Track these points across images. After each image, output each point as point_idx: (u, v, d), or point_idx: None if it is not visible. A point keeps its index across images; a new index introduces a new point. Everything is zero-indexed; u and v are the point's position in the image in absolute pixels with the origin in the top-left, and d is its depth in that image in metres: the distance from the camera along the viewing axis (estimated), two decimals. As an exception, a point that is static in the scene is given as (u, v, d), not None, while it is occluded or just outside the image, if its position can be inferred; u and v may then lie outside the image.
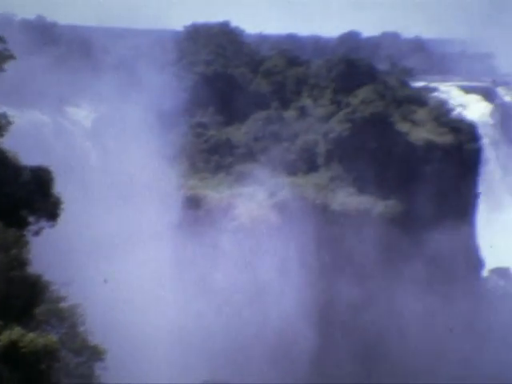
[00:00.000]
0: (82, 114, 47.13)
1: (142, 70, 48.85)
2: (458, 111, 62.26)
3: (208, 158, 51.62)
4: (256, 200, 46.40)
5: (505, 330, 50.85)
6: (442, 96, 67.74)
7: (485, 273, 56.09)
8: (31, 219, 19.82)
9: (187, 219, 44.81)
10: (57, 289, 17.53)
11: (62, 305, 17.46)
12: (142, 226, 41.03)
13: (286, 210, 44.95)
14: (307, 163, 50.37)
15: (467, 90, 79.07)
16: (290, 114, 55.26)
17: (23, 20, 55.48)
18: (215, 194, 47.56)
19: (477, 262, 53.13)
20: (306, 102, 56.42)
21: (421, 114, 56.35)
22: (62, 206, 20.28)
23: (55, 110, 44.95)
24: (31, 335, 14.76)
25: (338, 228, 45.31)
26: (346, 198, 47.22)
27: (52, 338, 15.25)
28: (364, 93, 52.74)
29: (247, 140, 52.58)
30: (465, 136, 54.53)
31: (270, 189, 46.50)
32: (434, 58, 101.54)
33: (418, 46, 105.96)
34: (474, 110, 74.61)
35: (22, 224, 19.28)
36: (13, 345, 14.53)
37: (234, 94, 56.07)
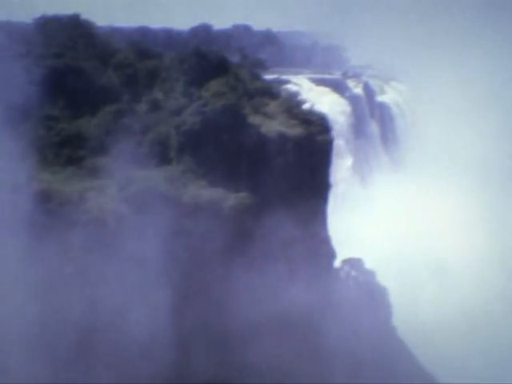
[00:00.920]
0: None
1: (-12, 62, 47.53)
2: (308, 103, 63.30)
3: (59, 152, 50.58)
4: (107, 193, 45.86)
5: (355, 320, 52.23)
6: (294, 88, 68.80)
7: (337, 263, 57.23)
8: None
9: (38, 213, 43.87)
10: None
11: None
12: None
13: (137, 203, 44.54)
14: (159, 156, 50.02)
15: (318, 82, 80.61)
16: (142, 106, 54.83)
17: None
18: (66, 187, 46.70)
19: (328, 253, 54.16)
20: (158, 94, 56.08)
21: (272, 106, 56.87)
22: None
23: None
24: None
25: (191, 220, 45.20)
26: (198, 191, 47.15)
27: None
28: (215, 85, 52.81)
29: (98, 133, 51.80)
30: (316, 128, 55.30)
31: (121, 182, 46.01)
32: (286, 50, 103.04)
33: (270, 38, 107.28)
34: (325, 102, 76.14)
35: None
36: None
37: (85, 87, 55.13)
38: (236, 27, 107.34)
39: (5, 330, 40.36)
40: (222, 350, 44.64)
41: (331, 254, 54.49)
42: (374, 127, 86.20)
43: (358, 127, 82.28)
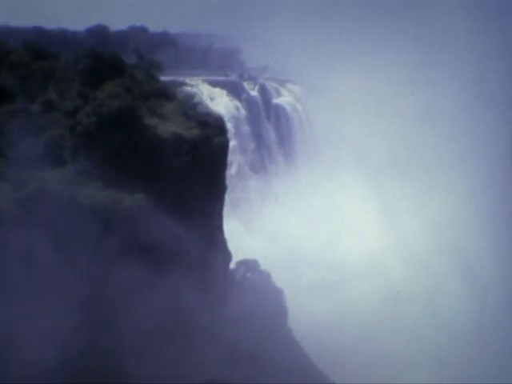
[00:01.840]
0: None
1: None
2: (205, 105, 63.59)
3: (-49, 153, 49.64)
4: (1, 195, 45.24)
5: (250, 322, 52.60)
6: (190, 90, 68.97)
7: (232, 265, 57.64)
8: None
9: None
10: None
11: None
12: None
13: (31, 204, 44.06)
14: (54, 157, 49.48)
15: (214, 84, 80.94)
16: (36, 107, 54.15)
17: None
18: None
19: (224, 255, 54.57)
20: (53, 95, 55.46)
21: (169, 107, 56.83)
22: None
23: None
24: None
25: (85, 222, 44.92)
26: (93, 192, 46.93)
27: None
28: (111, 86, 52.57)
29: (-9, 134, 50.97)
30: (212, 130, 55.57)
31: (15, 183, 45.44)
32: (182, 52, 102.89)
33: (166, 40, 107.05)
34: (221, 104, 76.54)
35: None
36: None
37: (-22, 87, 54.29)
38: (132, 28, 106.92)
39: None
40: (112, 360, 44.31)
41: (227, 256, 54.92)
42: (269, 129, 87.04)
43: (253, 129, 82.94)
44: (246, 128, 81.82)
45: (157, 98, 57.04)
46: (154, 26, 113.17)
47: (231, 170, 62.39)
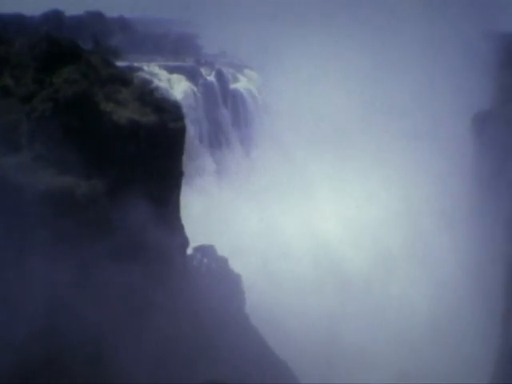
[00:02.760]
0: None
1: None
2: (162, 91, 63.47)
3: None
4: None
5: (207, 307, 52.86)
6: (147, 76, 68.79)
7: (189, 251, 57.63)
8: None
9: None
10: None
11: None
12: None
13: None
14: (10, 143, 49.23)
15: (172, 69, 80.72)
16: (-8, 93, 53.76)
17: None
18: None
19: (181, 240, 54.63)
20: (8, 81, 55.05)
21: (125, 93, 56.71)
22: None
23: None
24: None
25: (43, 208, 44.83)
26: (50, 179, 46.80)
27: None
28: (67, 72, 52.38)
29: None
30: (169, 115, 55.55)
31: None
32: (139, 37, 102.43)
33: (123, 25, 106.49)
34: (178, 89, 76.45)
35: None
36: None
37: None
38: (89, 13, 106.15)
39: None
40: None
41: (184, 242, 55.01)
42: (226, 114, 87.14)
43: (210, 114, 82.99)
44: (202, 113, 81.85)
45: (113, 83, 56.86)
46: (110, 11, 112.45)
47: (188, 156, 62.31)
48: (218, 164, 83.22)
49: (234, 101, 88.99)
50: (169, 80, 77.44)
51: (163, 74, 78.28)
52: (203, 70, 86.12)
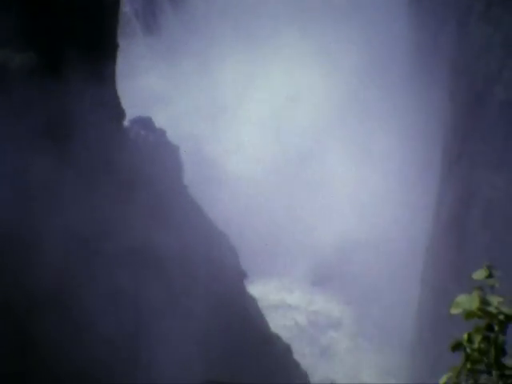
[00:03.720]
0: None
1: None
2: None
3: None
4: None
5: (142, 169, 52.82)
6: None
7: (126, 123, 57.34)
8: None
9: None
10: None
11: None
12: None
13: None
14: None
15: None
16: None
17: None
18: None
19: (117, 113, 54.34)
20: None
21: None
22: None
23: None
24: None
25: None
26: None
27: None
28: None
29: None
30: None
31: None
32: None
33: None
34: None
35: None
36: None
37: None
38: None
39: None
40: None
41: (120, 114, 54.70)
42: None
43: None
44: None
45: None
46: None
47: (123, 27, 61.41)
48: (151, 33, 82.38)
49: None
50: None
51: None
52: None
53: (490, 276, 4.75)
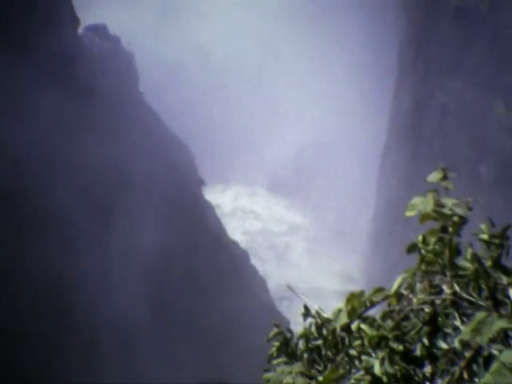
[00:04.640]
0: None
1: None
2: None
3: None
4: None
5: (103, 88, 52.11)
6: None
7: (80, 30, 56.08)
8: None
9: None
10: None
11: None
12: None
13: None
14: None
15: None
16: None
17: None
18: None
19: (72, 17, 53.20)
20: None
21: None
22: None
23: None
24: None
25: None
26: None
27: None
28: None
29: None
30: None
31: None
32: None
33: None
34: None
35: None
36: None
37: None
38: None
39: None
40: None
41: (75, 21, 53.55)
42: None
43: None
44: None
45: None
46: None
47: None
48: None
49: None
50: None
51: None
52: None
53: (444, 178, 4.83)
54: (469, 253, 4.43)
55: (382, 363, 4.07)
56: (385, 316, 4.38)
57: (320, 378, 4.07)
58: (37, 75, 45.14)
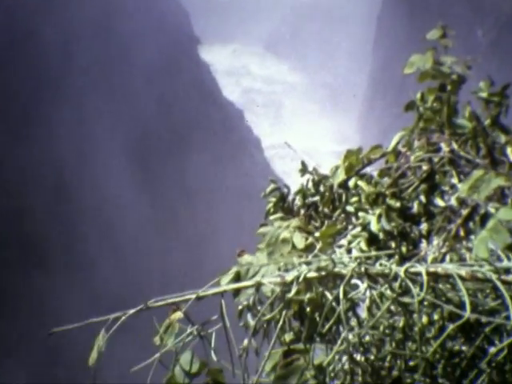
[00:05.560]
0: None
1: None
2: None
3: None
4: None
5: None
6: None
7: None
8: None
9: None
10: None
11: None
12: None
13: None
14: None
15: None
16: None
17: None
18: None
19: None
20: None
21: None
22: None
23: None
24: None
25: None
26: None
27: None
28: None
29: None
30: None
31: None
32: None
33: None
34: None
35: None
36: None
37: None
38: None
39: None
40: None
41: None
42: None
43: None
44: None
45: None
46: None
47: None
48: None
49: None
50: None
51: None
52: None
53: (443, 36, 4.77)
54: (467, 111, 4.42)
55: (378, 220, 4.11)
56: (382, 173, 4.40)
57: (317, 234, 4.12)
58: None
